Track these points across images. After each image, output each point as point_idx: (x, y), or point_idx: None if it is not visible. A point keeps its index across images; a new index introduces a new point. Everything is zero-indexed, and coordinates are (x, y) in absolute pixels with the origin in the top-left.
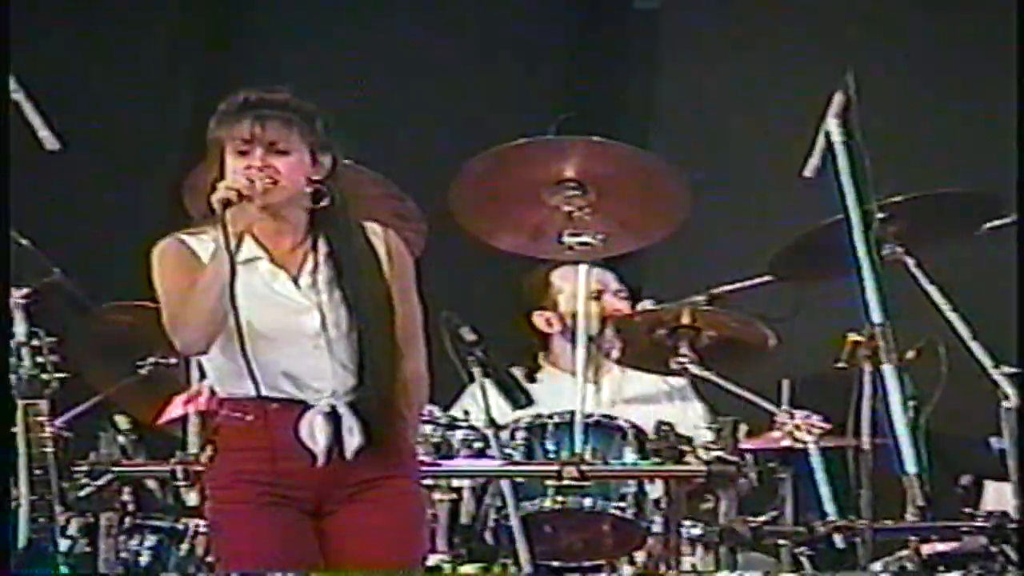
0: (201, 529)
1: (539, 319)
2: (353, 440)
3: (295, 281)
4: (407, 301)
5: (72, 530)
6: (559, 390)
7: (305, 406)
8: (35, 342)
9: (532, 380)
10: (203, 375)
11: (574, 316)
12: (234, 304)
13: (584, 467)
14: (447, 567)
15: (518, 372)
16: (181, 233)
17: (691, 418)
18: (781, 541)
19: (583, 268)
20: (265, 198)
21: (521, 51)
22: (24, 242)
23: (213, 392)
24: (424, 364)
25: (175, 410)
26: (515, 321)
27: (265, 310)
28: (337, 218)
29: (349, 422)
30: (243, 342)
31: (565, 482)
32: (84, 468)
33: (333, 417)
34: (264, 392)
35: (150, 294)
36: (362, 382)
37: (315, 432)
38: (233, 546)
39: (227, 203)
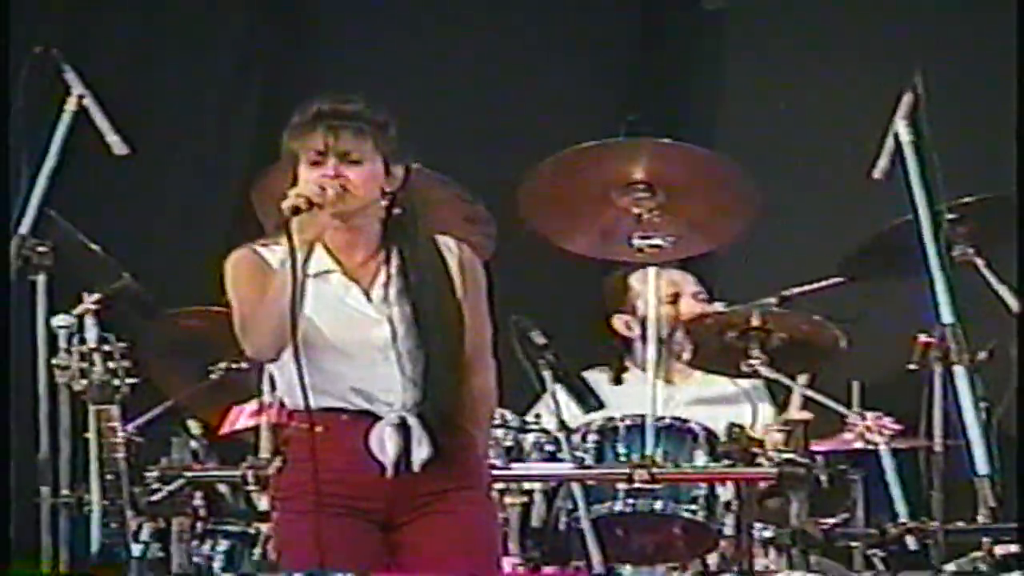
0: None
1: (618, 322)
2: (422, 452)
3: (367, 294)
4: (477, 316)
5: (144, 535)
6: (644, 392)
7: (375, 418)
8: (106, 347)
9: (619, 382)
10: (274, 386)
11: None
12: (294, 312)
13: (655, 470)
14: None
15: (603, 374)
16: (255, 243)
17: (765, 419)
18: (853, 543)
19: (652, 271)
20: (337, 206)
21: (588, 52)
22: (94, 247)
23: (283, 404)
24: (492, 379)
25: (242, 420)
26: (595, 324)
27: (337, 323)
28: (409, 230)
29: (418, 434)
30: (298, 354)
31: (636, 485)
32: (156, 473)
33: (403, 429)
34: (324, 404)
35: (220, 298)
36: (427, 396)
37: (385, 443)
38: (301, 557)
39: (296, 210)
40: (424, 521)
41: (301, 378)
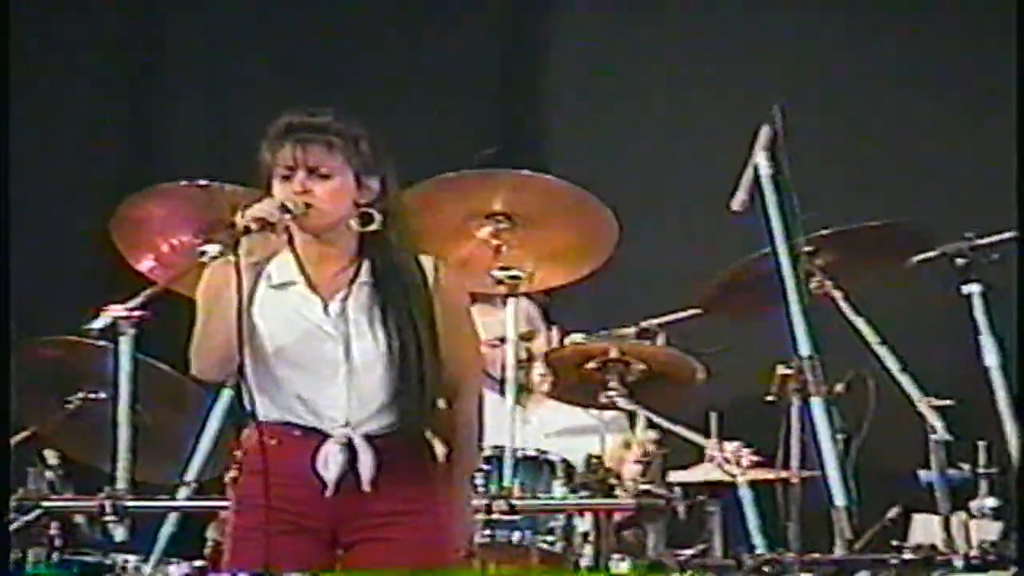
0: (130, 564)
1: None
2: (367, 472)
3: (325, 307)
4: (457, 339)
5: None
6: (497, 418)
7: (324, 436)
8: None
9: None
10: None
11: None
12: (240, 328)
13: (514, 501)
14: None
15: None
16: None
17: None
18: (709, 574)
19: (511, 302)
20: (302, 222)
21: (446, 86)
22: None
23: None
24: (475, 409)
25: None
26: None
27: (291, 335)
28: (383, 244)
29: (365, 454)
30: (242, 365)
31: (494, 516)
32: (12, 503)
33: (349, 448)
34: (279, 417)
35: (79, 328)
36: (381, 413)
37: (328, 462)
38: (247, 568)
39: (246, 230)
40: (372, 546)
41: (249, 391)
